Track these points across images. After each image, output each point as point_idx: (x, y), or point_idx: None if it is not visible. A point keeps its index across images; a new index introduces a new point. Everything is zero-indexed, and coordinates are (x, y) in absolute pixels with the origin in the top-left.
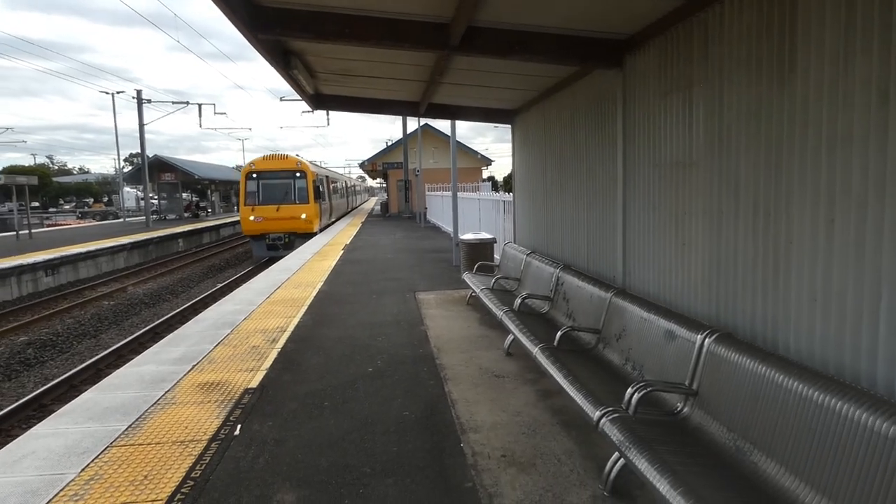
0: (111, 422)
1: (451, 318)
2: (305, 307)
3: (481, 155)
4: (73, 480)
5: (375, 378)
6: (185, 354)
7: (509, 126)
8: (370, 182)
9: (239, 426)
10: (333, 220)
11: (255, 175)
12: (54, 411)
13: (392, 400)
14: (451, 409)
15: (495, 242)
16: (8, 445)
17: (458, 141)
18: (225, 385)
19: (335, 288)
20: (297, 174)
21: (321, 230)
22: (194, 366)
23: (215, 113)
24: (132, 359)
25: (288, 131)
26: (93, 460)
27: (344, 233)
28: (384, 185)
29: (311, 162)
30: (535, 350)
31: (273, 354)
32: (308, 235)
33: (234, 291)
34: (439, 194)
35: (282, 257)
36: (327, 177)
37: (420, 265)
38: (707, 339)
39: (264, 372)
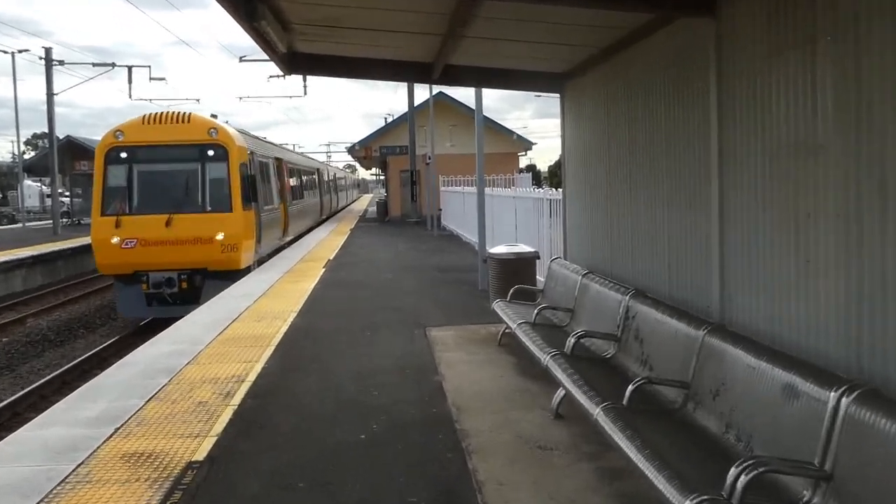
0: None
1: (476, 364)
2: (272, 347)
3: (518, 135)
4: None
5: (370, 448)
6: (106, 412)
7: (557, 96)
8: (363, 173)
9: None
10: (290, 238)
11: (123, 154)
12: None
13: (392, 480)
14: (478, 495)
15: (538, 258)
16: None
17: (485, 116)
18: (160, 456)
19: (314, 321)
20: (210, 152)
21: (261, 263)
22: (118, 429)
23: (151, 78)
24: (33, 417)
25: (250, 104)
26: None
27: (326, 243)
28: (382, 178)
29: (241, 132)
30: (597, 411)
31: (227, 413)
32: (232, 275)
33: (174, 325)
34: (459, 190)
35: (177, 318)
36: (279, 161)
37: (432, 289)
38: (845, 398)
39: (215, 438)
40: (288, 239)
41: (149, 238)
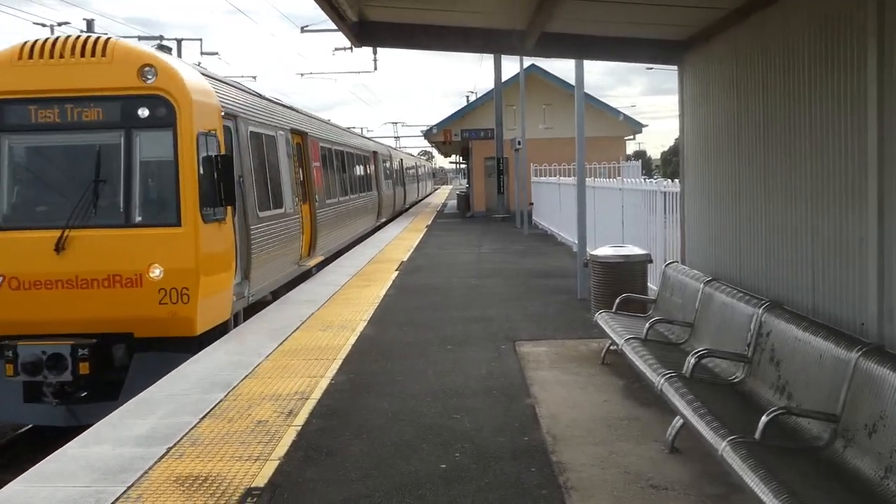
0: None
1: (574, 385)
2: (339, 361)
3: (625, 116)
4: None
5: (452, 482)
6: (157, 430)
7: (674, 69)
8: (441, 161)
9: None
10: (320, 258)
11: None
12: None
13: None
14: None
15: (650, 262)
16: None
17: (586, 94)
18: (216, 481)
19: (386, 332)
20: (142, 110)
21: (276, 296)
22: (170, 449)
23: (203, 53)
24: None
25: (313, 81)
26: None
27: (398, 243)
28: (463, 167)
29: (211, 78)
30: (723, 446)
31: (290, 435)
32: (184, 345)
33: (232, 332)
34: (554, 181)
35: (70, 428)
36: (300, 136)
37: (522, 297)
38: None
39: (276, 462)
40: (315, 261)
41: (23, 275)
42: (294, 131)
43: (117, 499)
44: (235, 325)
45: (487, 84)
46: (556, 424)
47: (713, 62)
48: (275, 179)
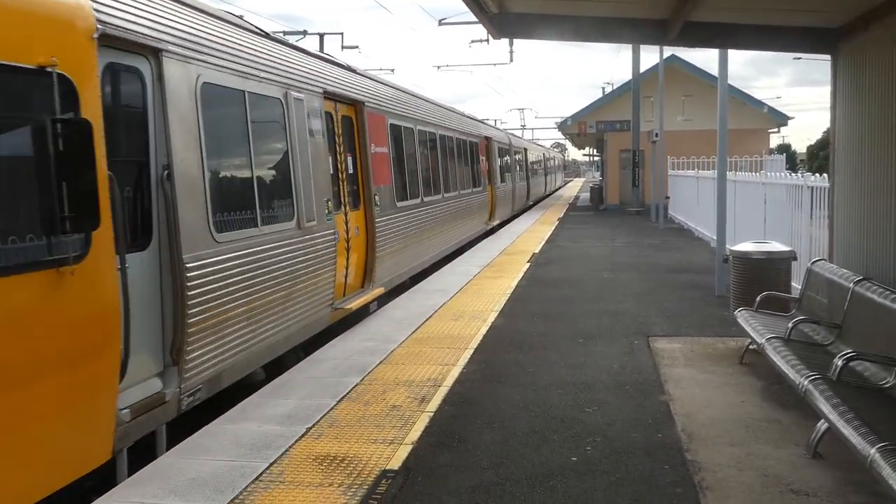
0: (198, 499)
1: (711, 384)
2: (471, 350)
3: (769, 108)
4: None
5: (583, 475)
6: (297, 410)
7: (826, 58)
8: (574, 153)
9: None
10: (380, 291)
11: None
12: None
13: None
14: None
15: (794, 259)
16: None
17: (729, 85)
18: (353, 461)
19: (517, 323)
20: None
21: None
22: (309, 429)
23: (343, 47)
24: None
25: (449, 73)
26: None
27: (530, 235)
28: (596, 159)
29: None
30: (873, 452)
31: (423, 420)
32: None
33: (364, 321)
34: (692, 174)
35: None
36: (360, 107)
37: (656, 292)
38: None
39: (410, 447)
40: (363, 300)
41: None
42: (334, 97)
43: (261, 474)
44: None
45: (624, 75)
46: (691, 423)
47: (871, 51)
48: (280, 174)
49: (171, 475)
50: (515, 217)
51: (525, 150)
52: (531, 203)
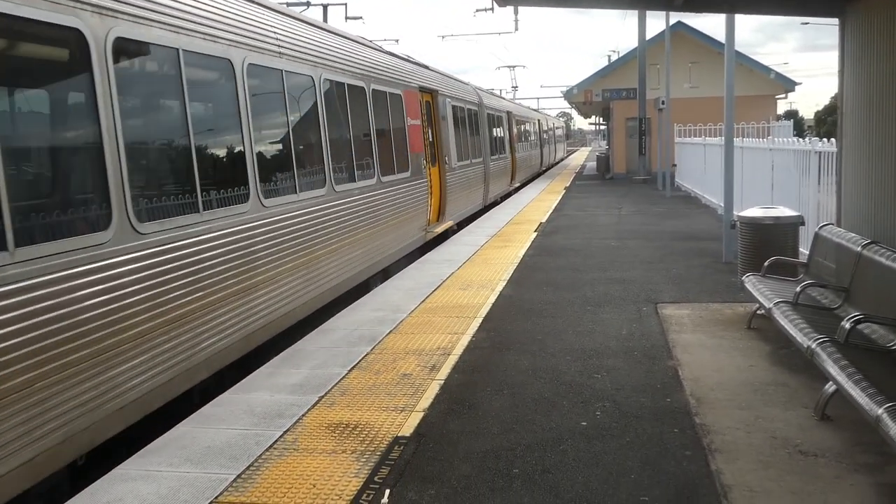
0: (214, 468)
1: (719, 348)
2: (479, 319)
3: (776, 73)
4: None
5: (593, 439)
6: (309, 379)
7: (835, 22)
8: (580, 123)
9: (387, 492)
10: (450, 223)
11: None
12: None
13: (619, 474)
14: (723, 500)
15: (802, 224)
16: (91, 487)
17: (736, 51)
18: (365, 429)
19: (525, 291)
20: None
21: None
22: (321, 397)
23: (347, 18)
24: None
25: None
26: None
27: (537, 204)
28: (602, 128)
29: None
30: (880, 413)
31: (433, 388)
32: None
33: (374, 291)
34: (699, 142)
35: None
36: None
37: (664, 259)
38: None
39: (421, 414)
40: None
41: None
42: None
43: (274, 442)
44: None
45: (630, 43)
46: (699, 387)
47: (881, 14)
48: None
49: (187, 444)
50: (534, 179)
51: (539, 121)
52: (544, 169)
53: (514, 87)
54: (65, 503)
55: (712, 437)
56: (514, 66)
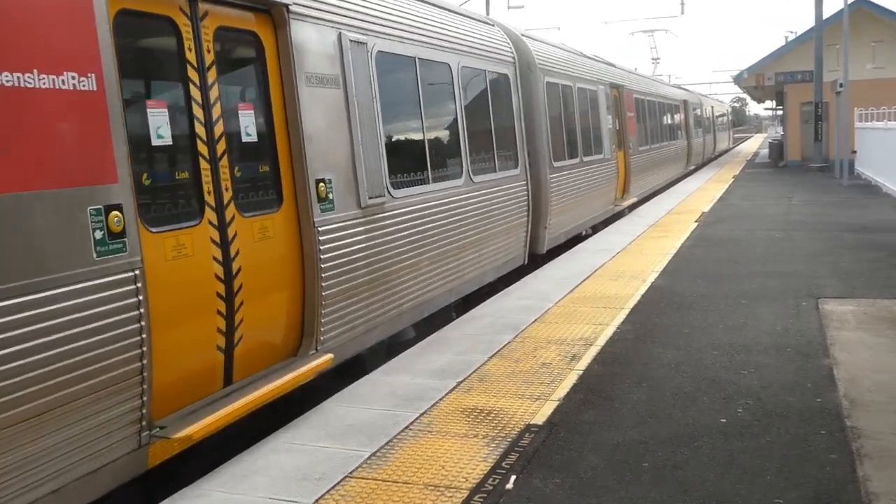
0: (352, 444)
1: (882, 348)
2: (626, 311)
3: None
4: None
5: (731, 436)
6: (450, 365)
7: None
8: (756, 108)
9: (513, 478)
10: (634, 199)
11: None
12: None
13: (755, 475)
14: None
15: None
16: (240, 455)
17: None
18: (498, 415)
19: (677, 283)
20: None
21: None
22: (460, 383)
23: (509, 7)
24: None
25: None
26: (328, 491)
27: (701, 193)
28: (777, 115)
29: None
30: None
31: (571, 378)
32: None
33: (524, 279)
34: (881, 126)
35: None
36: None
37: (832, 252)
38: None
39: (556, 403)
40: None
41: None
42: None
43: (410, 423)
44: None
45: (804, 23)
46: (854, 388)
47: None
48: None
49: (331, 420)
50: (707, 164)
51: (712, 108)
52: (717, 154)
53: (655, 60)
54: (221, 465)
55: (863, 442)
56: (652, 32)
